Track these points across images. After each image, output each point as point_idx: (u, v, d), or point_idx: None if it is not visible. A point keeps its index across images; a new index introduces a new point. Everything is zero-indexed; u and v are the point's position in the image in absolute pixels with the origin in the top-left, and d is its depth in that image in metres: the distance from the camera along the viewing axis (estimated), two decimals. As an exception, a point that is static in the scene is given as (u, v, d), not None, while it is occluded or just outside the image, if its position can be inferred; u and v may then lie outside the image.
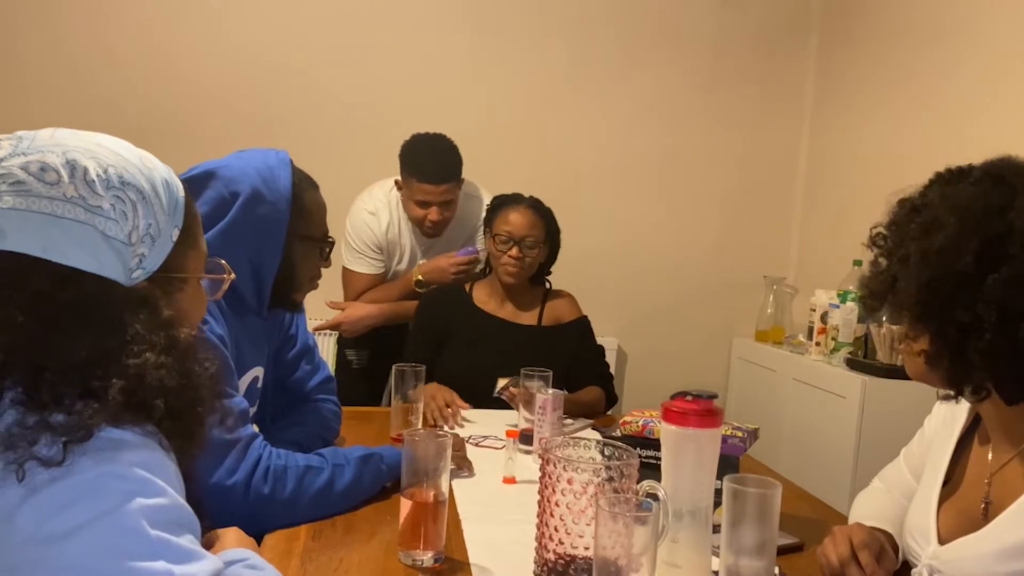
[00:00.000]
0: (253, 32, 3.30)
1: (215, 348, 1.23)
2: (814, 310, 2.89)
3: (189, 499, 0.82)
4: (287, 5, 3.32)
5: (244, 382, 1.51)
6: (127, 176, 0.85)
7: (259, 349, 1.58)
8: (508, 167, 3.22)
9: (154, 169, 0.89)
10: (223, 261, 1.05)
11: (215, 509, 1.26)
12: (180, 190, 0.92)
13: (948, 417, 1.27)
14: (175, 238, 0.90)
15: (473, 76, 3.43)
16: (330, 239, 1.60)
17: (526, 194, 2.38)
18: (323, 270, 1.65)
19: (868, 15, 3.26)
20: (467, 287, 2.39)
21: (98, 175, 0.82)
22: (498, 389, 2.02)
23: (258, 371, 1.57)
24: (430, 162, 2.49)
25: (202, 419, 0.87)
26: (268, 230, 1.45)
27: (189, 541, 0.78)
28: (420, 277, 2.54)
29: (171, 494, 0.79)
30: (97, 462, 0.74)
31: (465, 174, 2.68)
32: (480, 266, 2.51)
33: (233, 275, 1.07)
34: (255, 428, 1.42)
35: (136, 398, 0.79)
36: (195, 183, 1.43)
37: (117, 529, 0.73)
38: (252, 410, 1.58)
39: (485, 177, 2.74)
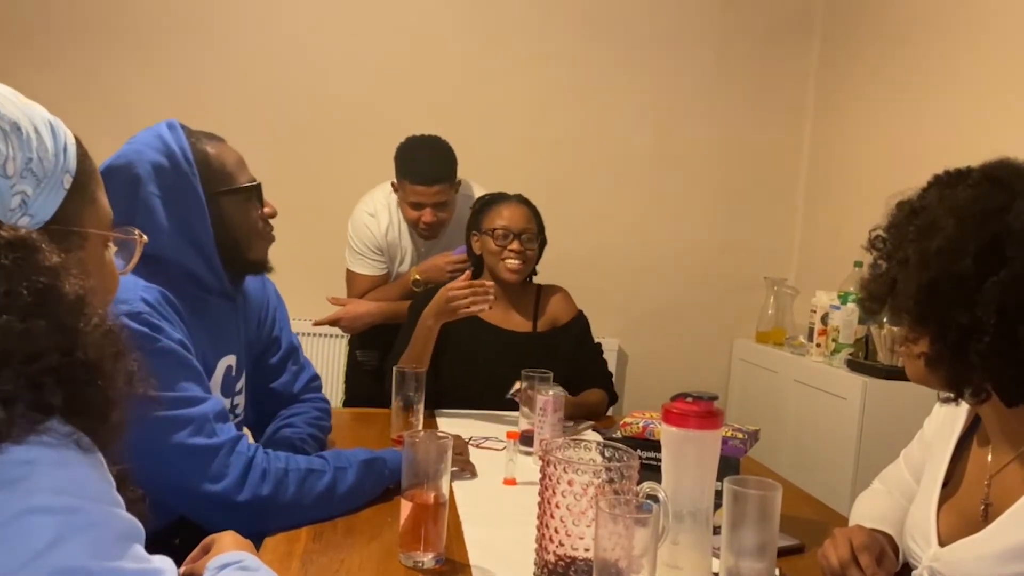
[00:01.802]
0: (254, 34, 3.31)
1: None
2: (815, 311, 2.88)
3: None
4: (289, 6, 3.33)
5: (217, 375, 1.48)
6: None
7: (227, 336, 1.54)
8: (509, 167, 3.22)
9: (35, 111, 0.81)
10: (135, 230, 0.96)
11: (207, 515, 1.26)
12: (70, 137, 0.84)
13: (948, 419, 1.27)
14: (67, 185, 0.80)
15: (475, 76, 3.43)
16: (253, 183, 1.52)
17: (526, 194, 2.35)
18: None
19: (870, 16, 3.26)
20: None
21: None
22: (512, 391, 2.00)
23: (230, 359, 1.53)
24: (422, 163, 2.48)
25: (108, 396, 0.73)
26: (182, 196, 1.40)
27: (137, 558, 0.71)
28: (417, 276, 2.55)
29: (108, 512, 0.70)
30: (11, 497, 0.65)
31: (466, 174, 2.68)
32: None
33: (145, 238, 0.97)
34: (247, 433, 1.40)
35: (25, 394, 0.66)
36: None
37: (56, 572, 0.65)
38: (238, 399, 1.57)
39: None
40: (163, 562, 0.75)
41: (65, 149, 0.82)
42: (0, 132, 0.75)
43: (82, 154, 0.84)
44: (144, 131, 1.45)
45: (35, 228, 0.76)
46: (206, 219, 1.43)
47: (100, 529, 0.68)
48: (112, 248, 0.90)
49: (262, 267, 1.59)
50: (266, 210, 1.54)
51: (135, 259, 0.97)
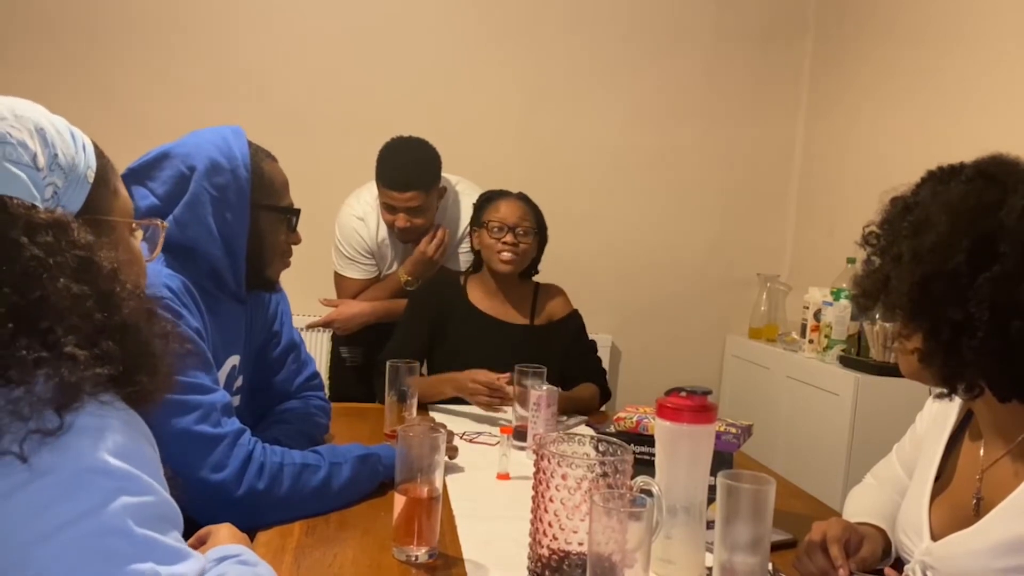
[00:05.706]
0: (245, 33, 3.30)
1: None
2: (807, 307, 2.89)
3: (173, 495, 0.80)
4: (280, 6, 3.31)
5: (223, 373, 1.50)
6: (20, 111, 0.84)
7: (235, 337, 1.57)
8: (503, 165, 3.23)
9: (56, 119, 0.89)
10: (158, 220, 1.04)
11: (201, 505, 1.26)
12: (87, 138, 0.91)
13: (940, 414, 1.28)
14: (91, 179, 0.88)
15: (469, 75, 3.43)
16: (295, 208, 1.59)
17: (522, 191, 2.37)
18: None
19: (864, 14, 3.26)
20: (461, 280, 2.37)
21: None
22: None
23: (234, 359, 1.56)
24: (396, 168, 2.44)
25: (151, 350, 0.81)
26: (231, 198, 1.44)
27: (175, 539, 0.76)
28: (408, 277, 2.54)
29: (158, 490, 0.76)
30: (77, 454, 0.71)
31: (461, 173, 2.67)
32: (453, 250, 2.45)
33: (166, 224, 1.05)
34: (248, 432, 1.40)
35: (84, 349, 0.73)
36: (150, 165, 1.43)
37: (101, 529, 0.70)
38: (236, 399, 1.58)
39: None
40: (196, 554, 0.79)
41: (84, 148, 0.90)
42: (27, 131, 0.83)
43: (99, 152, 0.93)
44: (209, 129, 1.49)
45: None
46: (245, 225, 1.47)
47: (149, 500, 0.74)
48: (138, 236, 0.98)
49: (272, 286, 1.64)
50: (294, 237, 1.60)
51: (159, 247, 1.06)
